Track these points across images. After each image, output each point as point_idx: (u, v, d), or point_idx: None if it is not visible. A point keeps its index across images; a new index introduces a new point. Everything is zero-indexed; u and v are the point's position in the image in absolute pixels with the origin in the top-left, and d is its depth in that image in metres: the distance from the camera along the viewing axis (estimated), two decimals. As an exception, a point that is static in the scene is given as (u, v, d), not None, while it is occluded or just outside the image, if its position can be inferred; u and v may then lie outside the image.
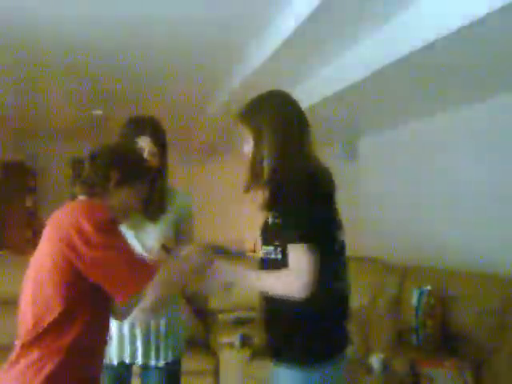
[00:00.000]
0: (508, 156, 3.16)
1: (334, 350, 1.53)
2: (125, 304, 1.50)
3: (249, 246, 7.77)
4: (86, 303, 1.44)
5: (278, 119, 1.58)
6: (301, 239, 1.41)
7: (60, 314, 1.39)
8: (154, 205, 1.96)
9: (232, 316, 3.89)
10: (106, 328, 1.58)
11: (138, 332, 1.96)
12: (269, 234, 1.55)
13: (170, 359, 2.00)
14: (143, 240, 1.96)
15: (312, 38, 2.80)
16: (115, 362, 1.97)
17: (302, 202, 1.44)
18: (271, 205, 1.53)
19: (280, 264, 1.48)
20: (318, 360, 1.49)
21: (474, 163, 3.43)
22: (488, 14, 1.93)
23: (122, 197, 1.58)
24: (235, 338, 3.43)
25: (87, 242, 1.36)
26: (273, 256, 1.52)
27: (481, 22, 2.00)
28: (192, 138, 6.94)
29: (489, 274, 2.96)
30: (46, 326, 1.39)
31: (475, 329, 2.74)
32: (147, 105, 5.21)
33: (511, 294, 2.65)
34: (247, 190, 1.63)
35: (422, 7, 2.37)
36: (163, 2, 2.70)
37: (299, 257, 1.41)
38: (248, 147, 1.62)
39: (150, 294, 1.43)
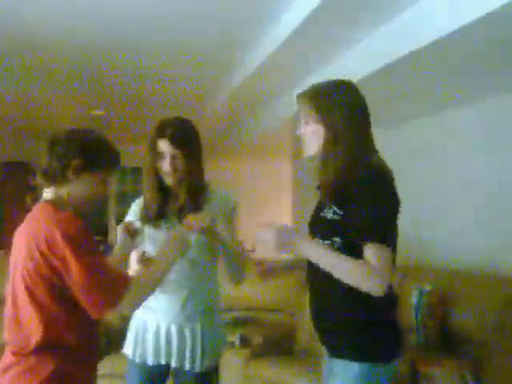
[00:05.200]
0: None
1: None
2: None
3: (248, 244, 7.71)
4: (69, 321, 1.41)
5: (355, 107, 1.55)
6: (384, 240, 1.40)
7: (43, 336, 1.37)
8: (187, 208, 1.85)
9: (231, 316, 3.88)
10: (94, 332, 1.54)
11: (174, 333, 1.87)
12: (326, 229, 1.50)
13: (205, 365, 1.88)
14: None
15: (312, 36, 2.81)
16: (150, 363, 1.88)
17: (385, 201, 1.44)
18: (339, 199, 1.47)
19: None
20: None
21: (472, 164, 3.42)
22: (488, 13, 1.93)
23: (84, 185, 1.48)
24: (235, 338, 3.42)
25: (61, 259, 1.34)
26: None
27: (481, 22, 2.00)
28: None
29: (489, 274, 2.96)
30: (34, 344, 1.37)
31: (475, 329, 2.73)
32: (147, 105, 5.20)
33: (511, 294, 2.65)
34: (323, 179, 1.52)
35: (422, 7, 2.37)
36: (163, 1, 2.70)
37: (381, 256, 1.39)
38: (309, 131, 1.54)
39: (125, 304, 1.42)
